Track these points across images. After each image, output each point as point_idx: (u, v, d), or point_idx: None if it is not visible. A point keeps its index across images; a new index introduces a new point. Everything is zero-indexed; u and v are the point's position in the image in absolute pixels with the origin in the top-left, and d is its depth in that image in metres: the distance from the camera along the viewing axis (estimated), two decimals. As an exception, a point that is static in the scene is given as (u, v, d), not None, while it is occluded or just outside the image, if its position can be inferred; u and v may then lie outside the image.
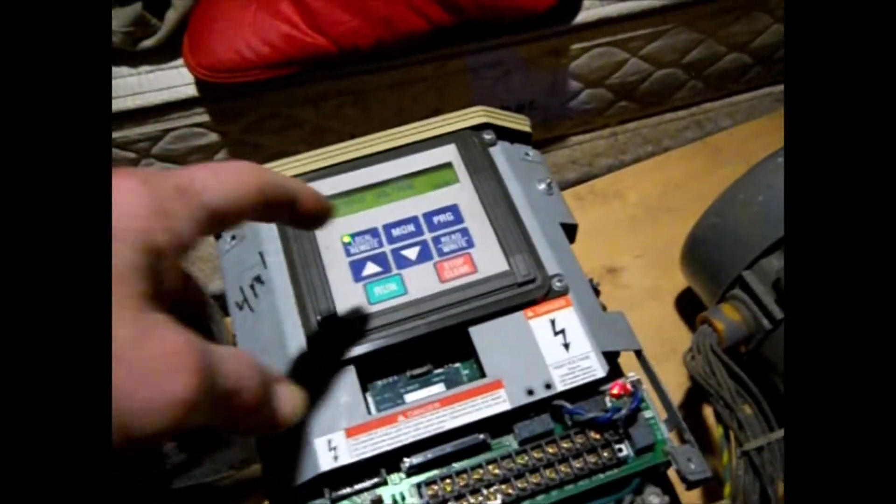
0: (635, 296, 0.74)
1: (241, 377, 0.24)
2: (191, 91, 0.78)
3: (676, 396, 0.64)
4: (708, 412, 0.60)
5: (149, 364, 0.20)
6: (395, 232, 0.41)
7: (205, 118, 0.82)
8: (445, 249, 0.40)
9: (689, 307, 0.72)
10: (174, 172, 0.24)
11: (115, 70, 0.79)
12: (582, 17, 0.84)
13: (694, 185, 0.86)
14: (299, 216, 0.30)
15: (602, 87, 0.96)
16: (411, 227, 0.41)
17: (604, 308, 0.42)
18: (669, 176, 0.87)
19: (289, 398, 0.27)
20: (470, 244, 0.40)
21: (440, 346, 0.38)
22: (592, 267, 0.77)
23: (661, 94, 1.02)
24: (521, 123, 0.49)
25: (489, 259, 0.39)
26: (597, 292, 0.44)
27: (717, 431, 0.46)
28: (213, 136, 0.84)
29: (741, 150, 0.89)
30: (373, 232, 0.41)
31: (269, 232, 0.42)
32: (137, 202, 0.22)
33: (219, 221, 0.25)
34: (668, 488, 0.37)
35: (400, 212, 0.42)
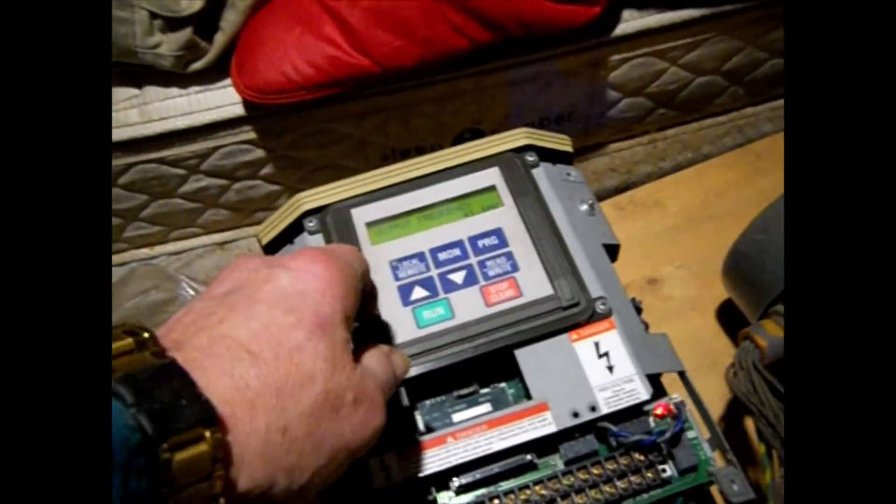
0: (676, 307, 0.74)
1: (390, 376, 0.31)
2: (238, 110, 0.81)
3: (719, 409, 0.64)
4: (752, 424, 0.60)
5: (364, 413, 0.28)
6: (442, 256, 0.42)
7: (251, 135, 0.84)
8: (491, 273, 0.41)
9: (730, 318, 0.72)
10: (337, 252, 0.31)
11: (166, 91, 0.81)
12: (621, 28, 0.85)
13: (735, 193, 0.85)
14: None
15: (641, 95, 0.96)
16: (457, 251, 0.42)
17: (646, 326, 0.43)
18: (710, 184, 0.86)
19: (399, 362, 0.33)
20: (515, 268, 0.41)
21: (486, 367, 0.39)
22: (633, 278, 0.77)
23: (700, 101, 1.02)
24: (563, 143, 0.49)
25: (534, 283, 0.40)
26: (639, 311, 0.44)
27: (760, 449, 0.46)
28: (259, 152, 0.86)
29: (782, 157, 0.88)
30: (420, 256, 0.42)
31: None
32: (337, 285, 0.29)
33: (361, 285, 0.32)
34: (711, 506, 0.38)
35: (446, 236, 0.43)
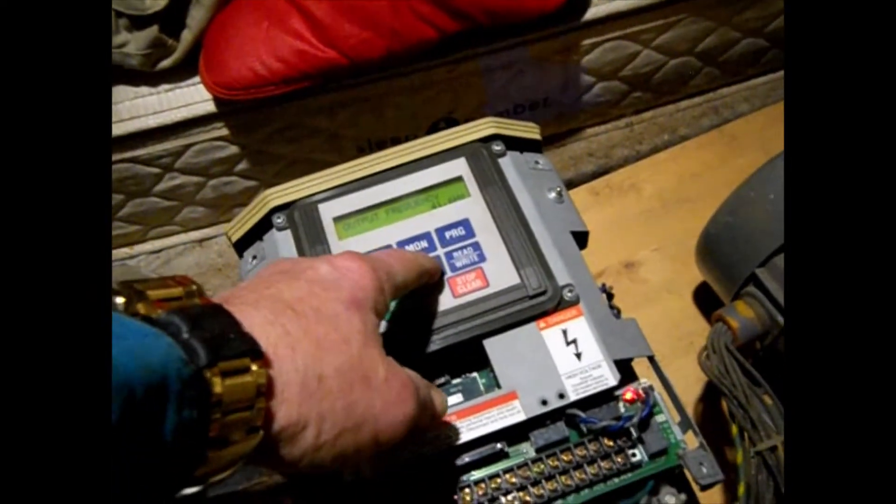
0: (653, 289, 0.75)
1: (427, 391, 0.32)
2: (209, 107, 0.80)
3: (695, 390, 0.65)
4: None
5: (395, 394, 0.29)
6: (410, 248, 0.42)
7: (224, 132, 0.83)
8: (458, 264, 0.41)
9: (706, 299, 0.72)
10: (380, 259, 0.33)
11: (136, 90, 0.81)
12: (592, 13, 0.84)
13: (710, 175, 0.86)
14: (431, 283, 0.40)
15: (615, 79, 0.96)
16: (424, 243, 0.42)
17: (618, 312, 0.43)
18: (685, 167, 0.87)
19: (439, 399, 0.34)
20: (482, 258, 0.41)
21: (457, 358, 0.39)
22: (609, 262, 0.77)
23: (675, 83, 1.02)
24: (530, 131, 0.49)
25: (501, 272, 0.40)
26: (610, 297, 0.45)
27: (733, 428, 0.46)
28: (232, 149, 0.86)
29: (757, 137, 0.88)
30: (387, 249, 0.42)
31: (287, 252, 0.43)
32: (369, 282, 0.31)
33: (399, 293, 0.35)
34: (684, 486, 0.38)
35: (413, 228, 0.43)
